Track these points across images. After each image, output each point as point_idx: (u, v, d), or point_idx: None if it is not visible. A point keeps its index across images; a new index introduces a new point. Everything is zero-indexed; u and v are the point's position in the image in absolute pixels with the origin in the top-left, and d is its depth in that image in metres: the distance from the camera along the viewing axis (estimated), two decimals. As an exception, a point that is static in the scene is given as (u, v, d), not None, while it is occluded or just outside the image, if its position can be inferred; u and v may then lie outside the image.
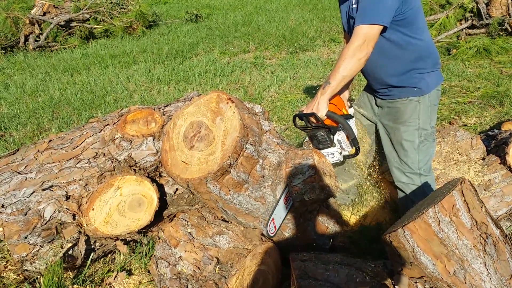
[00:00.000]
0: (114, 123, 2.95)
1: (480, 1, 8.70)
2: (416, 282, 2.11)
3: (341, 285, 2.35)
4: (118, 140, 2.86)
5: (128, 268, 3.08)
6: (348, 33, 2.82)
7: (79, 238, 2.80)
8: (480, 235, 1.97)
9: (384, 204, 3.68)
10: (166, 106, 3.15)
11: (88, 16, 10.34)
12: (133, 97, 6.40)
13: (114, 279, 2.97)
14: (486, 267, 1.95)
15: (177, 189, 3.00)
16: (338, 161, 2.82)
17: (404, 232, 2.02)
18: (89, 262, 2.89)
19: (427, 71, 2.77)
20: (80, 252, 2.82)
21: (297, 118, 2.74)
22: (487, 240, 1.96)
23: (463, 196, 1.99)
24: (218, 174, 2.21)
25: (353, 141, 2.78)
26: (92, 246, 2.91)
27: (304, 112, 2.62)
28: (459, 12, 8.78)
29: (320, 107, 2.56)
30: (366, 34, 2.39)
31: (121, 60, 8.13)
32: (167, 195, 3.00)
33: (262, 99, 6.19)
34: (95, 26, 10.17)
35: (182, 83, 6.88)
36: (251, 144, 2.34)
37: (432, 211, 1.96)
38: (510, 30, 7.85)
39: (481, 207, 2.00)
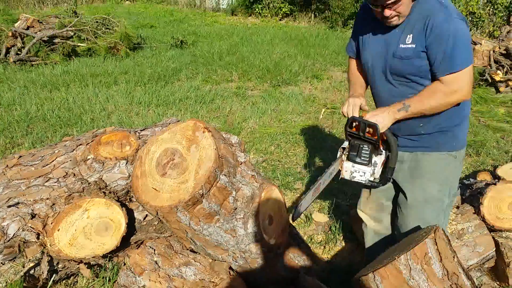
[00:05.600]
0: (88, 143, 2.90)
1: (461, 50, 8.89)
2: None
3: (307, 326, 2.30)
4: (90, 161, 2.80)
5: (90, 293, 2.98)
6: (378, 72, 2.55)
7: (41, 259, 2.71)
8: (450, 285, 1.95)
9: (357, 244, 3.66)
10: (143, 130, 3.11)
11: (72, 34, 10.26)
12: (111, 117, 6.33)
13: (74, 304, 2.87)
14: None
15: (146, 215, 2.94)
16: (363, 182, 2.60)
17: (375, 277, 1.99)
18: (50, 283, 2.79)
19: (465, 119, 2.54)
20: (42, 272, 2.73)
21: (353, 123, 2.54)
22: None
23: (436, 244, 1.97)
24: (189, 203, 2.16)
25: (390, 171, 2.58)
26: (55, 268, 2.82)
27: (367, 118, 2.42)
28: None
29: (386, 122, 2.37)
30: (460, 80, 2.20)
31: (102, 79, 8.07)
32: (136, 220, 2.93)
33: (241, 129, 6.18)
34: (79, 44, 10.10)
35: (162, 107, 6.84)
36: (225, 175, 2.31)
37: (404, 257, 1.94)
38: (490, 81, 8.03)
39: (453, 257, 1.98)
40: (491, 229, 3.24)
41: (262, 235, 2.48)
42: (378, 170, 2.60)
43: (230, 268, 2.59)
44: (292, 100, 7.44)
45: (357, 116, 2.54)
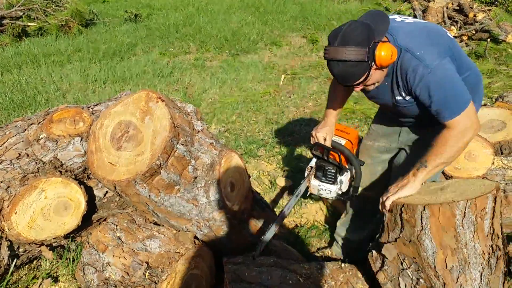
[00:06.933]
0: (39, 122, 2.80)
1: (417, 8, 8.98)
2: (404, 259, 2.09)
3: (274, 288, 2.32)
4: (43, 140, 2.71)
5: (55, 275, 2.94)
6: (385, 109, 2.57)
7: (0, 244, 2.64)
8: (491, 245, 1.96)
9: (321, 206, 3.69)
10: (96, 105, 3.02)
11: (21, 14, 9.88)
12: (66, 97, 6.16)
13: (39, 286, 2.82)
14: (481, 276, 1.95)
15: (107, 192, 2.89)
16: (330, 198, 2.75)
17: (424, 210, 1.97)
18: (11, 268, 2.74)
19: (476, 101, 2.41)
20: (2, 258, 2.66)
21: (318, 147, 2.64)
22: (494, 252, 1.96)
23: (495, 202, 1.96)
24: (147, 175, 2.12)
25: (355, 189, 2.68)
26: (16, 252, 2.76)
27: (392, 194, 2.24)
28: (396, 18, 9.01)
29: (415, 189, 2.21)
30: (465, 121, 2.08)
31: (55, 59, 7.80)
32: (96, 198, 2.88)
33: (201, 100, 6.11)
34: (29, 23, 9.73)
35: (119, 83, 6.68)
36: (182, 144, 2.27)
37: (463, 204, 1.92)
38: (443, 36, 8.12)
39: (499, 219, 1.99)
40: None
41: (225, 202, 2.47)
42: (345, 186, 2.69)
43: (196, 237, 2.58)
44: (251, 68, 7.37)
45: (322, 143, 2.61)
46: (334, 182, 2.65)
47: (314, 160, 2.72)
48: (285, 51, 8.37)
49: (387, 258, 2.13)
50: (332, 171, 2.63)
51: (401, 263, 2.08)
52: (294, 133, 5.05)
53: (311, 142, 2.68)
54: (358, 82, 2.11)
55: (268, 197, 3.86)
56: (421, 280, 2.02)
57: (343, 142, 2.65)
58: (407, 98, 2.26)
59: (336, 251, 3.11)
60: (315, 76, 6.98)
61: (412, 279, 2.05)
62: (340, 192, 2.70)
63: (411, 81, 2.13)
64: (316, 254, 3.16)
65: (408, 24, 2.20)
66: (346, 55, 1.98)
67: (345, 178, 2.68)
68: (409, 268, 2.05)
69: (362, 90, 2.35)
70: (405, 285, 2.07)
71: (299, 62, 7.74)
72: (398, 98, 2.30)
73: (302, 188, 2.71)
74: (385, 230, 2.21)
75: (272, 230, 2.58)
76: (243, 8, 11.65)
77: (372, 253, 2.26)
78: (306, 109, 5.76)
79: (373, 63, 2.04)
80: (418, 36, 2.14)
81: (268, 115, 5.57)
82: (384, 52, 2.00)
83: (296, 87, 6.55)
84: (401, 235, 2.08)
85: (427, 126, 2.46)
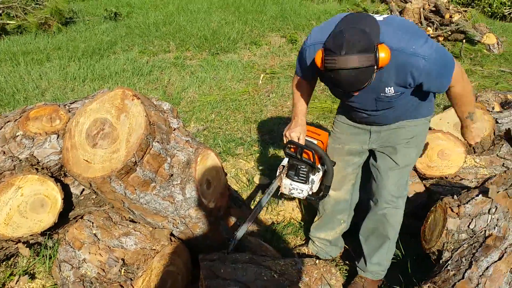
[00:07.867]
0: (16, 120, 2.80)
1: (394, 9, 9.09)
2: (496, 206, 2.38)
3: (249, 284, 2.35)
4: (19, 137, 2.71)
5: (32, 271, 2.94)
6: (361, 108, 2.55)
7: (-24, 242, 2.65)
8: None
9: (298, 204, 3.74)
10: (73, 103, 3.03)
11: (0, 12, 9.80)
12: (45, 95, 6.12)
13: (16, 283, 2.82)
14: None
15: (83, 190, 2.90)
16: (301, 198, 2.77)
17: None
18: (-13, 266, 2.74)
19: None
20: (-22, 256, 2.67)
21: (291, 146, 2.65)
22: None
23: None
24: (123, 172, 2.15)
25: (326, 189, 2.75)
26: (-8, 250, 2.76)
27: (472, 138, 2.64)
28: (374, 19, 9.11)
29: (481, 123, 2.47)
30: (457, 73, 2.29)
31: (34, 57, 7.74)
32: (73, 195, 2.89)
33: (181, 99, 6.11)
34: (8, 22, 9.64)
35: (98, 81, 6.66)
36: (158, 142, 2.29)
37: None
38: (420, 37, 8.23)
39: None
40: (423, 177, 3.37)
41: (201, 199, 2.50)
42: (316, 186, 2.74)
43: (172, 234, 2.60)
44: (231, 67, 7.39)
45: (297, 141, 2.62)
46: (306, 181, 2.68)
47: (286, 159, 2.76)
48: (264, 51, 8.41)
49: (474, 199, 2.48)
50: (305, 170, 2.66)
51: (489, 210, 2.35)
52: (273, 132, 5.09)
53: (284, 142, 2.71)
54: (363, 86, 2.12)
55: (245, 195, 3.89)
56: (496, 228, 2.27)
57: (315, 142, 2.70)
58: (397, 93, 2.33)
59: (312, 249, 3.14)
60: (293, 75, 7.02)
61: (487, 224, 2.31)
62: (311, 192, 2.74)
63: (415, 75, 2.20)
64: (292, 251, 3.20)
65: (384, 24, 2.24)
66: (359, 62, 1.98)
67: (316, 177, 2.72)
68: (494, 214, 2.32)
69: (346, 95, 2.40)
70: (475, 225, 2.37)
71: (278, 62, 7.78)
72: (383, 94, 2.35)
73: (274, 186, 2.74)
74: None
75: (245, 227, 2.61)
76: (223, 8, 11.65)
77: (453, 196, 2.63)
78: (285, 108, 5.81)
79: (376, 66, 2.07)
80: (403, 35, 2.19)
81: (247, 114, 5.61)
82: (384, 54, 2.04)
83: (275, 86, 6.59)
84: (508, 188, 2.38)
85: (394, 120, 2.59)
